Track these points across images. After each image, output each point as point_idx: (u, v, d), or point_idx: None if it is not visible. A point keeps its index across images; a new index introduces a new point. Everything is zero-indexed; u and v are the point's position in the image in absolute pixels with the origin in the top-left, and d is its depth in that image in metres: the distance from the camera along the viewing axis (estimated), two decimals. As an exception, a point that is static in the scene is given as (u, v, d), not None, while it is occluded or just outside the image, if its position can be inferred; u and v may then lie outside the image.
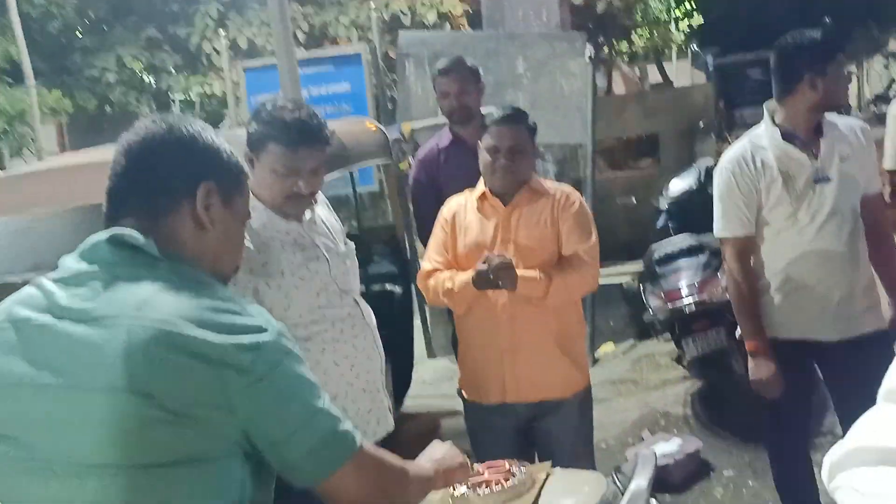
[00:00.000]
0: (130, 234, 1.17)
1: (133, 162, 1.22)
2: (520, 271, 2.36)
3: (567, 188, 2.62)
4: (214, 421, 1.08)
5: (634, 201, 5.03)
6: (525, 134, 2.52)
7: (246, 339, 1.10)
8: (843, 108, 2.63)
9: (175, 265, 1.17)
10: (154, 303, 1.10)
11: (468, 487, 1.66)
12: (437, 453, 1.52)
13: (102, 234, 1.18)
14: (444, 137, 3.39)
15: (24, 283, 3.24)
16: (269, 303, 1.99)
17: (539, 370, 2.47)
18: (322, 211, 2.27)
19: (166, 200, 1.21)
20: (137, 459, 1.05)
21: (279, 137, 1.99)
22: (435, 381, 4.99)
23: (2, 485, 1.10)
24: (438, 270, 2.54)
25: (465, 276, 2.43)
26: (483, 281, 2.36)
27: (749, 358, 2.61)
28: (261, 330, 1.12)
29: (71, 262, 1.18)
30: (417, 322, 4.86)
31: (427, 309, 5.17)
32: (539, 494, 1.65)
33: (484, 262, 2.36)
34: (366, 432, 2.11)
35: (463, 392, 2.64)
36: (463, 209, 2.58)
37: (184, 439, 1.06)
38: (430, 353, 5.38)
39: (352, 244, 2.27)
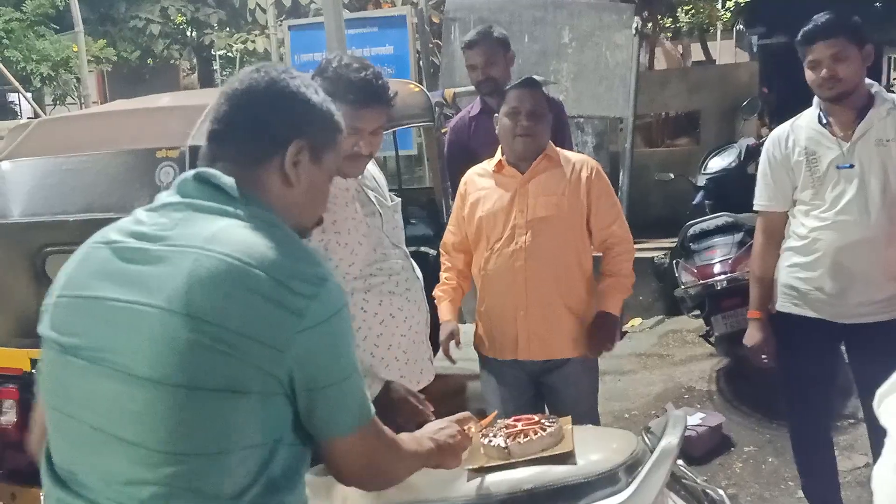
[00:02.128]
0: (214, 174, 1.22)
1: (233, 110, 1.27)
2: (607, 305, 2.63)
3: (581, 156, 2.70)
4: (262, 357, 1.11)
5: (672, 176, 5.00)
6: (543, 99, 2.61)
7: (306, 285, 1.14)
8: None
9: (253, 208, 1.21)
10: (223, 237, 1.15)
11: (505, 438, 1.72)
12: (442, 435, 1.54)
13: (191, 172, 1.25)
14: (475, 106, 3.47)
15: (76, 223, 3.30)
16: (337, 259, 2.05)
17: (550, 330, 2.59)
18: (369, 165, 2.32)
19: (258, 152, 1.26)
20: (182, 380, 1.10)
21: (344, 96, 1.96)
22: (463, 345, 5.05)
23: (71, 384, 1.19)
24: (450, 245, 2.73)
25: (444, 309, 2.66)
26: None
27: (749, 324, 2.74)
28: (322, 280, 1.16)
29: (164, 196, 1.25)
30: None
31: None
32: (573, 441, 1.71)
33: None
34: (411, 381, 2.18)
35: (477, 347, 2.75)
36: (479, 179, 2.67)
37: (229, 369, 1.11)
38: (460, 318, 5.44)
39: (398, 199, 2.32)
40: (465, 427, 1.65)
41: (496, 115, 2.66)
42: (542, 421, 1.79)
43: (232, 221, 1.18)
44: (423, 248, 4.24)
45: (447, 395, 4.25)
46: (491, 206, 2.60)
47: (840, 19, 2.48)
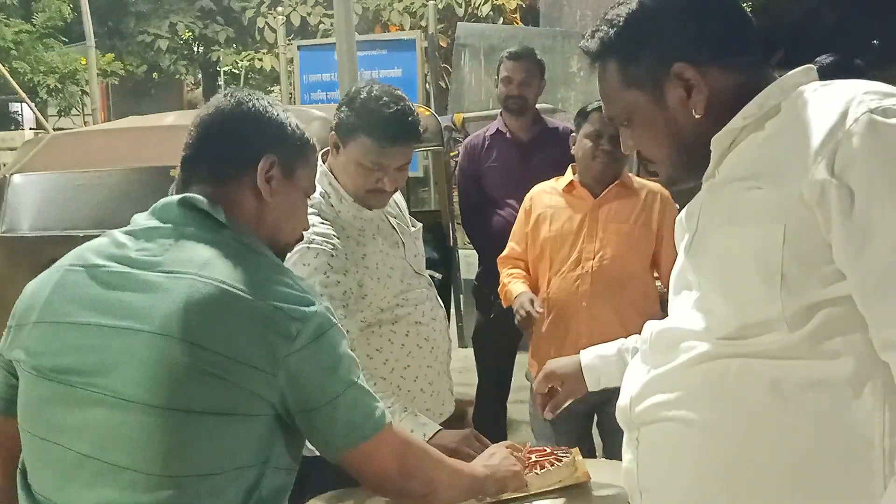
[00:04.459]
0: (201, 200, 1.24)
1: (203, 133, 1.30)
2: None
3: (655, 186, 2.58)
4: (255, 380, 1.14)
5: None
6: None
7: (295, 309, 1.16)
8: None
9: (238, 234, 1.24)
10: (216, 264, 1.17)
11: (522, 470, 1.71)
12: (495, 459, 1.56)
13: (175, 197, 1.25)
14: (493, 126, 3.35)
15: (86, 238, 3.34)
16: (371, 293, 1.97)
17: None
18: None
19: (230, 171, 1.28)
20: (176, 403, 1.12)
21: (372, 132, 1.87)
22: (464, 370, 5.04)
23: (56, 412, 1.17)
24: (513, 259, 2.61)
25: (518, 288, 2.51)
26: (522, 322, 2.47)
27: None
28: (309, 303, 1.18)
29: (142, 219, 1.25)
30: (451, 311, 4.91)
31: (462, 298, 5.22)
32: (588, 473, 1.70)
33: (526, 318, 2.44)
34: (435, 413, 2.12)
35: (531, 375, 2.64)
36: (547, 196, 2.59)
37: (223, 392, 1.13)
38: (462, 343, 5.41)
39: (420, 224, 2.26)
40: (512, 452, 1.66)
41: (573, 133, 2.55)
42: (556, 452, 1.79)
43: (222, 249, 1.20)
44: (429, 272, 4.24)
45: (447, 421, 4.21)
46: (559, 227, 2.51)
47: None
